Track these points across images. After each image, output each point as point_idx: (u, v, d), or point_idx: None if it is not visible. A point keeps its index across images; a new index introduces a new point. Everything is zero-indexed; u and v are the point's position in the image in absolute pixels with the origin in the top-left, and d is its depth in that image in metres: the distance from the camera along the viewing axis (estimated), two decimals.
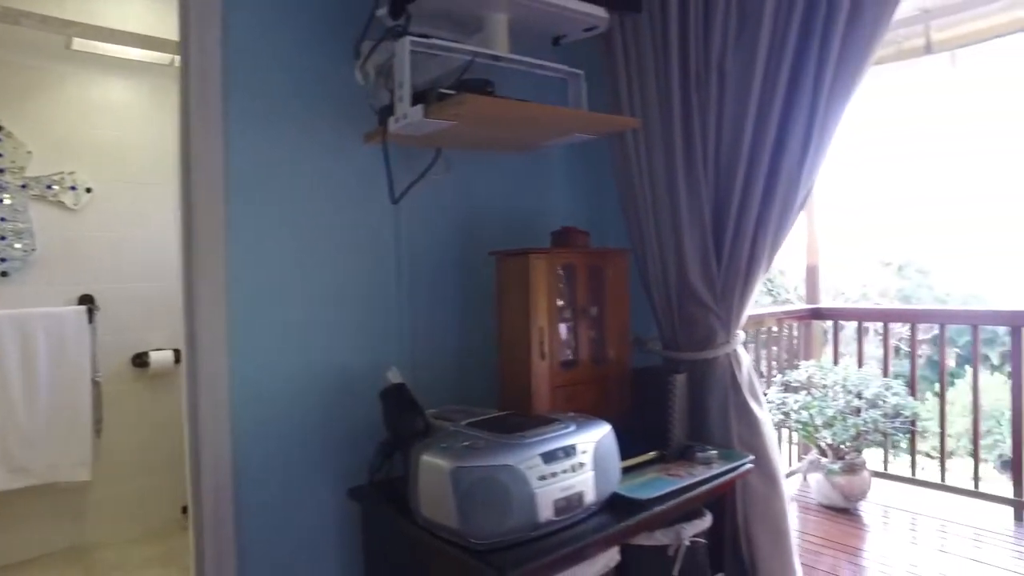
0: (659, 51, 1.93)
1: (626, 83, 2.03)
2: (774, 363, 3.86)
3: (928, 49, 3.35)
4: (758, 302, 2.94)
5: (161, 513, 3.38)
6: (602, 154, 2.24)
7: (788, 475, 3.81)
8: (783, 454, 3.80)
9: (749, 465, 1.77)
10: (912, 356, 3.73)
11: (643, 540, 1.61)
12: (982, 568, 2.75)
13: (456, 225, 2.00)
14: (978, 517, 3.38)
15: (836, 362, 3.79)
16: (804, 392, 3.53)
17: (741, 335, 1.90)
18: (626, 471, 1.68)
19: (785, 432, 3.71)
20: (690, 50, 1.87)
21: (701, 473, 1.67)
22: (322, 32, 1.74)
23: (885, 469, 3.73)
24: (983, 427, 17.77)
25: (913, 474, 3.68)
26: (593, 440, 1.41)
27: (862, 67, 1.72)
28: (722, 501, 1.79)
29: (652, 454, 1.75)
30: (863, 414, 3.37)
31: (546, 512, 1.29)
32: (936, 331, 3.93)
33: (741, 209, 1.82)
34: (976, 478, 3.48)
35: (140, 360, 3.31)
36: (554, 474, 1.31)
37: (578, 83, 1.71)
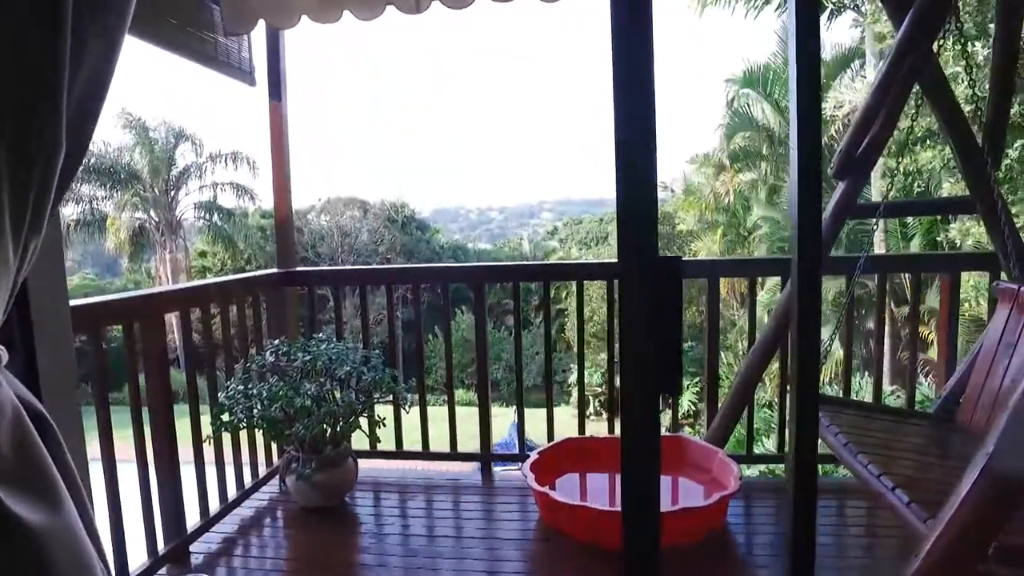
0: None
1: None
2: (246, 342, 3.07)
3: None
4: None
5: None
6: None
7: (264, 480, 3.11)
8: (257, 453, 3.09)
9: None
10: (390, 318, 3.41)
11: None
12: (460, 519, 2.95)
13: None
14: (456, 471, 3.54)
15: (313, 335, 3.20)
16: (275, 378, 2.85)
17: None
18: None
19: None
20: None
21: None
22: None
23: (373, 448, 3.36)
24: (469, 357, 20.90)
25: (399, 447, 3.40)
26: None
27: None
28: None
29: None
30: (340, 395, 2.88)
31: None
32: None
33: None
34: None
35: None
36: None
37: None
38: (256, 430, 2.84)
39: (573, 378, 17.74)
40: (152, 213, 23.20)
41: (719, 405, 3.07)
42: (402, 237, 26.27)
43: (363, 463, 3.10)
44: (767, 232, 13.69)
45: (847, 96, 10.22)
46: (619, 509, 2.53)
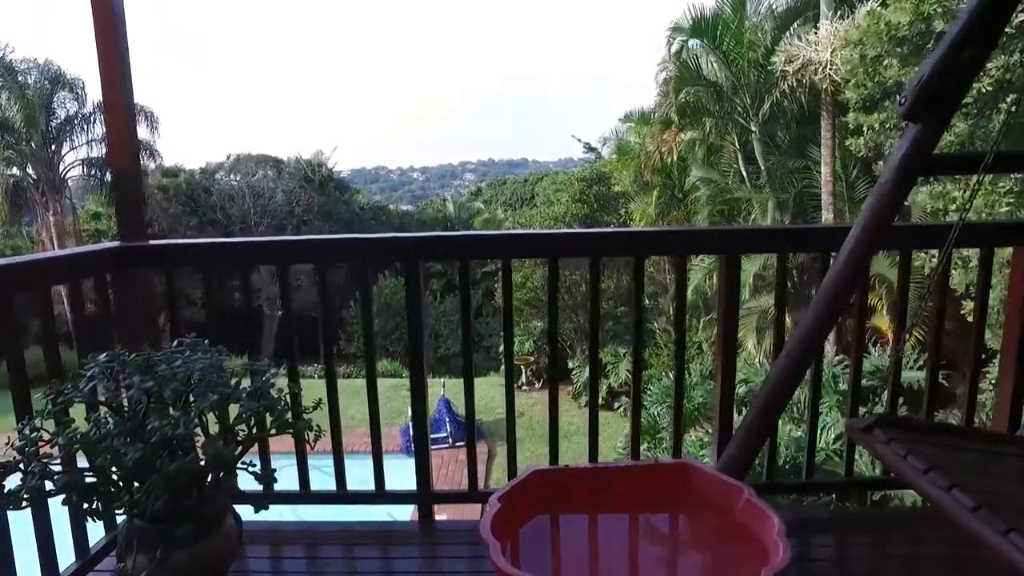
0: None
1: None
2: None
3: None
4: None
5: None
6: None
7: (94, 559, 2.14)
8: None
9: None
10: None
11: None
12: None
13: None
14: (387, 513, 2.67)
15: (177, 338, 2.19)
16: (107, 413, 1.86)
17: None
18: None
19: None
20: None
21: None
22: None
23: (266, 488, 2.43)
24: (392, 323, 19.60)
25: (305, 487, 2.49)
26: None
27: None
28: None
29: None
30: (210, 435, 1.93)
31: None
32: None
33: None
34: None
35: None
36: None
37: None
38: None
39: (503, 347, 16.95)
40: (30, 169, 20.56)
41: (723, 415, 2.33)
42: (319, 198, 24.51)
43: (248, 514, 2.18)
44: (707, 195, 13.17)
45: (800, 51, 9.66)
46: None
